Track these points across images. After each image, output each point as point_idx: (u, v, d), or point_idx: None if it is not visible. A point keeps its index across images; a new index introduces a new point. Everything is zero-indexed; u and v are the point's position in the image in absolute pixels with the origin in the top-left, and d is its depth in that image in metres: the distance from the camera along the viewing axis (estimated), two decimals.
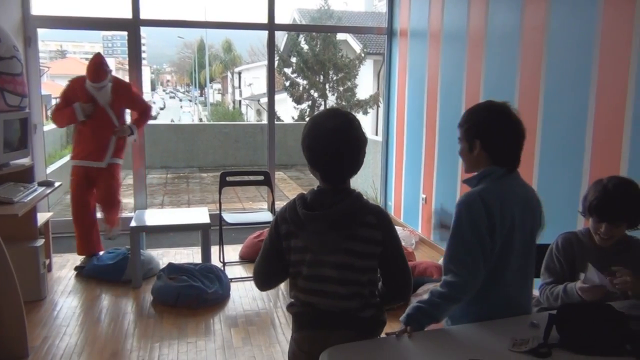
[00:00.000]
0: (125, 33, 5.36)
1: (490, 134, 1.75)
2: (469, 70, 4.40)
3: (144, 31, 5.68)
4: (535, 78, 3.56)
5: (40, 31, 5.27)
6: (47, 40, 45.89)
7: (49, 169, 6.66)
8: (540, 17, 3.50)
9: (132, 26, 5.29)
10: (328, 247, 1.62)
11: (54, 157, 10.70)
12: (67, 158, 8.93)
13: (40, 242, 3.86)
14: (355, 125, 1.61)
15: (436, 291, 1.71)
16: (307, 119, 1.71)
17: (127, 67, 5.76)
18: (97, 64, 4.35)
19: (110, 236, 4.69)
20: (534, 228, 1.82)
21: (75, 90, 4.36)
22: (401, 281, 1.69)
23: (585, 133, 3.11)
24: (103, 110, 4.39)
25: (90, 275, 4.30)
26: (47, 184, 4.10)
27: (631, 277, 1.81)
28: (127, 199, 9.17)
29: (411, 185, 5.56)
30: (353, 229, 1.60)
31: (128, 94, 4.60)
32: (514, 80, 3.79)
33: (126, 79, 5.05)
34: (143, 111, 4.74)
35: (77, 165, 4.45)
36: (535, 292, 2.26)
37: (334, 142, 1.58)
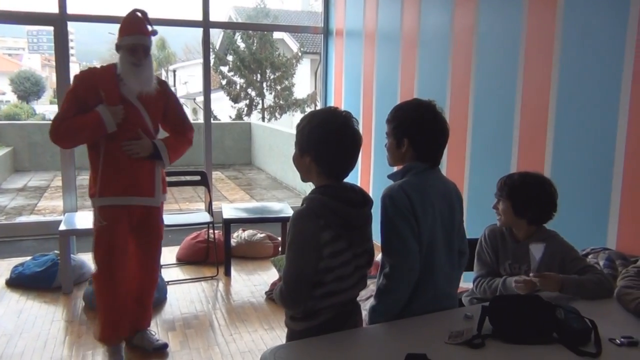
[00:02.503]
0: (51, 28, 5.12)
1: (419, 133, 1.82)
2: (403, 69, 4.49)
3: (72, 26, 5.43)
4: (466, 77, 3.69)
5: None
6: None
7: None
8: (470, 19, 3.63)
9: (59, 21, 5.06)
10: (365, 238, 1.74)
11: None
12: None
13: None
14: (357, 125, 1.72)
15: (380, 284, 1.78)
16: (309, 116, 1.71)
17: (54, 63, 5.50)
18: (138, 17, 2.87)
19: (145, 345, 3.12)
20: (455, 220, 1.90)
21: (92, 87, 2.80)
22: None
23: (513, 130, 3.25)
24: (138, 114, 2.87)
25: (18, 285, 4.07)
26: None
27: (532, 278, 1.93)
28: (55, 202, 8.79)
29: (348, 182, 5.61)
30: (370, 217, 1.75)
31: (169, 99, 3.05)
32: (445, 79, 3.90)
33: (53, 76, 4.79)
34: (182, 132, 3.08)
35: (109, 205, 2.85)
36: (469, 285, 2.35)
37: (348, 138, 1.66)
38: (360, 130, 1.73)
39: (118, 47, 2.85)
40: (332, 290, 1.66)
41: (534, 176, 2.15)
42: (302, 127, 1.69)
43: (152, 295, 3.22)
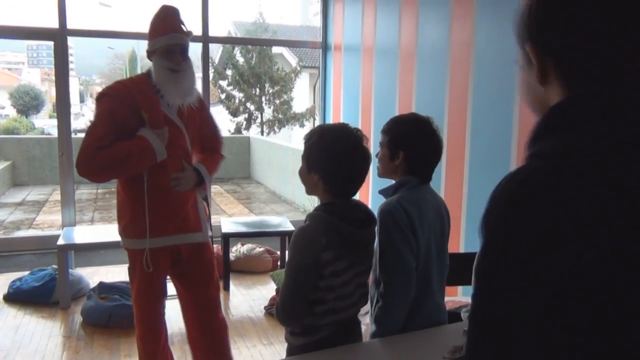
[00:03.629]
0: (51, 43, 5.15)
1: (415, 148, 1.82)
2: (401, 83, 4.52)
3: (72, 41, 5.45)
4: (463, 91, 3.71)
5: None
6: None
7: None
8: (467, 34, 3.66)
9: (59, 36, 5.09)
10: (368, 256, 1.74)
11: None
12: None
13: None
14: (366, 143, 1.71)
15: (377, 307, 1.77)
16: (319, 132, 1.70)
17: (53, 78, 5.53)
18: (170, 13, 2.37)
19: None
20: (444, 234, 1.91)
21: (132, 106, 2.29)
22: None
23: (511, 144, 3.26)
24: (180, 134, 2.43)
25: (15, 300, 4.05)
26: None
27: None
28: (54, 216, 8.78)
29: (354, 199, 5.61)
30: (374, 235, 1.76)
31: (204, 112, 2.61)
32: (443, 93, 3.92)
33: (52, 91, 4.79)
34: (215, 148, 2.70)
35: (159, 248, 2.44)
36: (467, 299, 2.34)
37: (358, 161, 1.67)
38: None
39: (150, 54, 2.38)
40: (333, 308, 1.65)
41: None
42: (311, 143, 1.67)
43: (228, 342, 2.71)
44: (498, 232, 0.72)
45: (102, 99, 2.31)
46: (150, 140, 2.27)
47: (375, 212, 1.79)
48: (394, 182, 1.88)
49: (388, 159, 1.86)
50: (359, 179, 1.70)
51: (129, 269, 2.52)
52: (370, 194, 5.00)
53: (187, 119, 2.44)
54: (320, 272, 1.60)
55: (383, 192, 1.90)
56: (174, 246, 2.47)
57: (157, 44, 2.32)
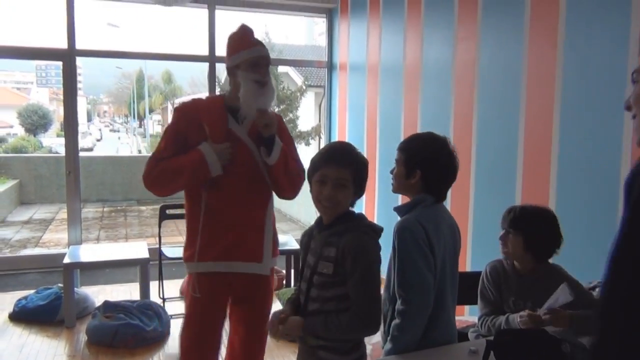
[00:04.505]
0: (59, 62, 5.22)
1: (433, 167, 1.83)
2: (406, 102, 4.54)
3: (80, 61, 5.53)
4: (468, 110, 3.72)
5: None
6: None
7: None
8: (471, 53, 3.68)
9: (68, 56, 5.16)
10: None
11: None
12: None
13: None
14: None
15: (394, 325, 1.77)
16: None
17: (61, 97, 5.58)
18: (249, 31, 2.35)
19: None
20: (457, 254, 1.91)
21: (195, 121, 2.28)
22: None
23: (516, 163, 3.26)
24: (249, 153, 2.30)
25: (20, 318, 4.05)
26: None
27: (539, 314, 1.91)
28: (60, 234, 8.79)
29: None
30: None
31: (282, 134, 2.38)
32: (448, 112, 3.93)
33: (60, 110, 4.84)
34: (298, 174, 2.41)
35: (209, 273, 2.29)
36: (475, 319, 2.32)
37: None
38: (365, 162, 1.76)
39: (233, 69, 2.29)
40: None
41: (548, 211, 2.15)
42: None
43: None
44: None
45: (173, 113, 2.34)
46: (204, 153, 2.20)
47: (393, 230, 1.81)
48: (408, 199, 1.89)
49: (404, 176, 1.87)
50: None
51: (185, 298, 2.38)
52: (376, 208, 4.99)
53: (260, 140, 2.27)
54: None
55: (398, 209, 1.90)
56: (229, 275, 2.28)
57: (242, 57, 2.26)
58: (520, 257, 2.12)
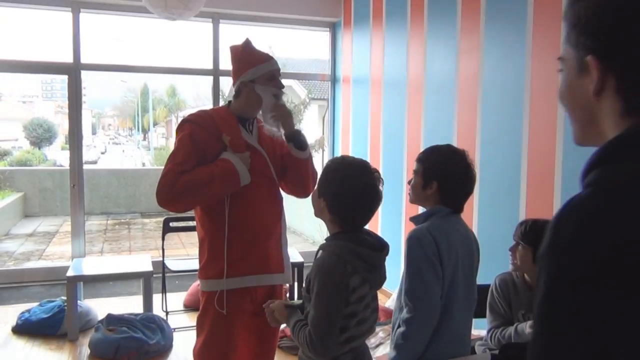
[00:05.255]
0: (65, 76, 5.26)
1: (450, 179, 1.84)
2: (410, 115, 4.55)
3: (85, 74, 5.55)
4: (472, 123, 3.72)
5: None
6: None
7: None
8: (474, 66, 3.69)
9: (73, 70, 5.20)
10: (382, 280, 1.72)
11: None
12: None
13: None
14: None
15: (399, 333, 1.78)
16: (337, 163, 1.73)
17: (66, 110, 5.62)
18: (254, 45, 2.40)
19: None
20: (473, 267, 1.89)
21: (214, 132, 2.22)
22: None
23: (520, 176, 3.25)
24: (263, 160, 2.30)
25: (23, 332, 4.03)
26: None
27: None
28: (64, 247, 8.80)
29: None
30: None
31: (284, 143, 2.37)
32: (452, 125, 3.94)
33: (65, 123, 4.86)
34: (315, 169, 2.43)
35: (236, 289, 2.22)
36: (482, 332, 2.30)
37: (366, 201, 1.66)
38: None
39: (247, 84, 2.28)
40: (353, 335, 1.65)
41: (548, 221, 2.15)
42: (327, 171, 1.71)
43: None
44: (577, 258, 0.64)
45: (184, 125, 2.24)
46: (233, 162, 2.16)
47: (404, 238, 1.80)
48: (424, 210, 1.90)
49: (421, 188, 1.88)
50: (363, 217, 1.70)
51: (199, 317, 2.27)
52: (380, 225, 4.98)
53: (269, 147, 2.33)
54: (347, 299, 1.60)
55: (414, 219, 1.92)
56: (252, 289, 2.24)
57: (260, 71, 2.28)
58: (529, 269, 2.12)
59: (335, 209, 1.66)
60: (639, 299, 0.59)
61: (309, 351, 1.62)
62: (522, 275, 2.16)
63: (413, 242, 1.78)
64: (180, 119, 2.39)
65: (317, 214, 1.75)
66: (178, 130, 2.25)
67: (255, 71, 2.27)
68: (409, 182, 1.94)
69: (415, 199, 1.92)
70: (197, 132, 2.19)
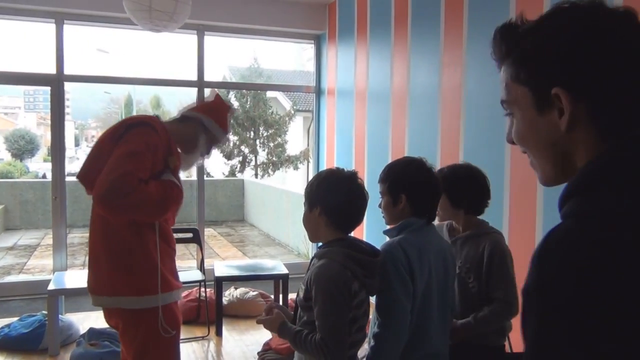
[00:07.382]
0: (47, 87, 5.22)
1: (416, 188, 1.84)
2: (394, 127, 4.58)
3: (68, 86, 5.51)
4: (455, 134, 3.76)
5: None
6: None
7: None
8: (457, 78, 3.73)
9: (56, 81, 5.16)
10: (376, 286, 1.74)
11: None
12: None
13: None
14: None
15: (370, 347, 1.76)
16: (316, 175, 1.82)
17: (49, 122, 5.57)
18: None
19: None
20: (448, 279, 1.89)
21: (167, 150, 2.15)
22: None
23: (504, 186, 3.28)
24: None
25: (2, 347, 3.94)
26: None
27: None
28: (45, 260, 8.66)
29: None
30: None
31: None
32: (435, 136, 3.97)
33: (48, 135, 4.81)
34: None
35: (169, 304, 2.15)
36: None
37: (355, 191, 1.74)
38: None
39: (202, 125, 2.35)
40: (355, 341, 1.67)
41: (461, 165, 2.27)
42: (310, 185, 1.77)
43: None
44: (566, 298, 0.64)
45: (145, 128, 2.10)
46: (181, 187, 2.15)
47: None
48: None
49: (391, 205, 1.87)
50: (357, 212, 1.75)
51: (131, 339, 2.13)
52: (365, 238, 4.99)
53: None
54: (349, 304, 1.63)
55: (387, 232, 1.92)
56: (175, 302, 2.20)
57: (217, 133, 2.37)
58: (452, 215, 2.22)
59: (331, 210, 1.70)
60: (633, 326, 0.60)
61: (324, 358, 1.61)
62: (450, 224, 2.26)
63: (384, 255, 1.77)
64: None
65: (314, 232, 1.78)
66: (137, 130, 2.10)
67: (216, 128, 2.35)
68: (379, 206, 1.92)
69: (390, 219, 1.91)
70: (157, 145, 2.08)
